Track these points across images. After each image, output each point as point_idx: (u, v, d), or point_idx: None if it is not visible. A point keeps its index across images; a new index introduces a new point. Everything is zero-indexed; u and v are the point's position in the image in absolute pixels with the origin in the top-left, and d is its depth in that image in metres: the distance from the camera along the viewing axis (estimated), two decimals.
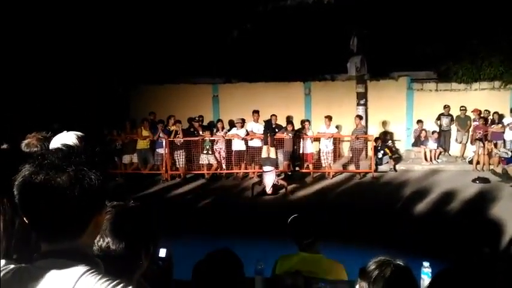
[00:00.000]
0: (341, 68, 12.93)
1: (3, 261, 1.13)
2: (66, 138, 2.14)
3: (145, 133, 11.52)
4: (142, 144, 11.48)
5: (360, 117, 11.87)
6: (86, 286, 1.05)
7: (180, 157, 11.27)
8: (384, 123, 13.23)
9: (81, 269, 1.07)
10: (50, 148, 1.97)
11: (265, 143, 9.80)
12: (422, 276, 2.73)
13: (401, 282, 1.80)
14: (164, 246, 1.99)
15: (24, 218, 1.09)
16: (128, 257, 1.42)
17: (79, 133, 2.27)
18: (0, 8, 9.34)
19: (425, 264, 2.75)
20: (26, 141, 2.27)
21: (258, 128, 11.47)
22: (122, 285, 1.08)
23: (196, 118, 12.21)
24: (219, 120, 12.05)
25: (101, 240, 1.39)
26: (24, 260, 1.14)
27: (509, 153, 10.78)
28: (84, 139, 2.19)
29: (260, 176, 9.89)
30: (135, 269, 1.46)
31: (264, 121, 11.29)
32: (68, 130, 2.31)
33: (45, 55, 10.93)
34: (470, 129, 12.36)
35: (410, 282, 1.84)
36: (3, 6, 9.41)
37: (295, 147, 11.38)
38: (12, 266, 1.11)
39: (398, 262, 1.85)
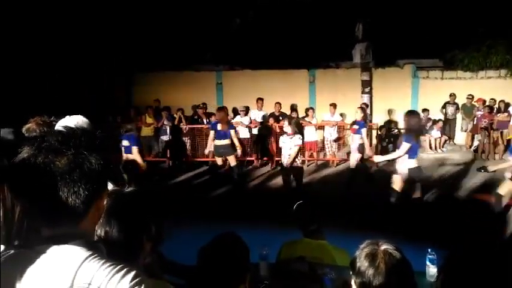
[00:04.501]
0: (346, 55, 12.83)
1: (2, 247, 1.11)
2: (69, 121, 2.13)
3: (149, 120, 11.53)
4: (146, 131, 11.50)
5: (362, 109, 11.46)
6: (89, 271, 1.03)
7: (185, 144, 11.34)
8: (390, 112, 13.16)
9: (83, 253, 1.05)
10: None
11: None
12: (428, 263, 2.74)
13: (397, 272, 1.69)
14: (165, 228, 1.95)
15: (23, 202, 1.07)
16: (129, 242, 1.41)
17: (83, 117, 2.25)
18: None
19: (430, 251, 2.75)
20: (26, 126, 2.27)
21: (262, 115, 11.44)
22: (125, 269, 1.05)
23: (200, 105, 12.19)
24: (224, 107, 12.00)
25: (100, 227, 1.37)
26: (24, 246, 1.11)
27: None
28: (89, 123, 2.18)
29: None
30: (138, 254, 1.45)
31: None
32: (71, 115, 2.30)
33: (47, 41, 10.90)
34: (475, 118, 12.28)
35: (405, 267, 1.74)
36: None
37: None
38: (12, 252, 1.09)
39: (387, 248, 1.77)
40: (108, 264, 1.05)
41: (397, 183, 6.50)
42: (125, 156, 6.54)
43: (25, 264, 1.05)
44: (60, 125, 2.12)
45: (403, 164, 6.28)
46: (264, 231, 4.78)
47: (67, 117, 2.25)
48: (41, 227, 1.09)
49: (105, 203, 1.18)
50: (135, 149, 6.88)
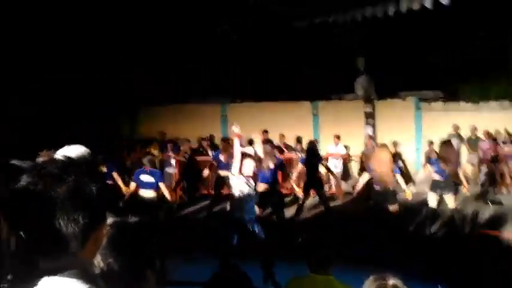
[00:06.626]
0: (348, 87, 12.96)
1: None
2: (69, 150, 2.12)
3: (155, 153, 11.54)
4: None
5: (370, 137, 11.82)
6: None
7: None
8: (395, 144, 13.14)
9: (81, 287, 1.02)
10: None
11: None
12: None
13: None
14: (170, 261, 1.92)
15: (20, 232, 1.04)
16: (132, 275, 1.37)
17: (83, 147, 2.25)
18: None
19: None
20: (39, 160, 2.26)
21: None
22: None
23: (206, 137, 12.23)
24: (228, 139, 12.04)
25: (102, 259, 1.33)
26: (19, 280, 1.06)
27: None
28: (88, 152, 2.17)
29: None
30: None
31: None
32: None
33: (52, 73, 11.06)
34: (480, 151, 12.20)
35: None
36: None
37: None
38: (6, 287, 1.04)
39: (395, 283, 1.72)
40: None
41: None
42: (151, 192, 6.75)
43: None
44: (60, 152, 2.12)
45: None
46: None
47: (66, 147, 2.26)
48: (37, 259, 1.05)
49: (105, 233, 1.15)
50: (162, 184, 6.99)
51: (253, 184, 5.71)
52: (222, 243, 5.79)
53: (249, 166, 5.53)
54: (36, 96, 10.94)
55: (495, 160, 11.35)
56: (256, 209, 7.35)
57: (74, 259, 1.05)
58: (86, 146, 2.25)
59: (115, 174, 7.43)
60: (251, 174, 5.62)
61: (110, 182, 7.26)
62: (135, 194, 6.83)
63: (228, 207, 6.06)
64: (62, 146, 2.32)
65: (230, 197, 5.91)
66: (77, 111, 12.20)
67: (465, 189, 7.72)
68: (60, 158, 1.09)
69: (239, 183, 5.48)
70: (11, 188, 1.02)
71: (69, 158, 1.10)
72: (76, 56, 11.55)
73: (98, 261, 1.31)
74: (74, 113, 12.12)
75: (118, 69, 12.36)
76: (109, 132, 12.73)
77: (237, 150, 5.46)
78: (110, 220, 1.37)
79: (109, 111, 13.31)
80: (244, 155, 5.55)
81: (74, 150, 2.11)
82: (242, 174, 5.51)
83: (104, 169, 7.08)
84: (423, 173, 12.68)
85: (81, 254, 1.06)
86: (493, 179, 11.28)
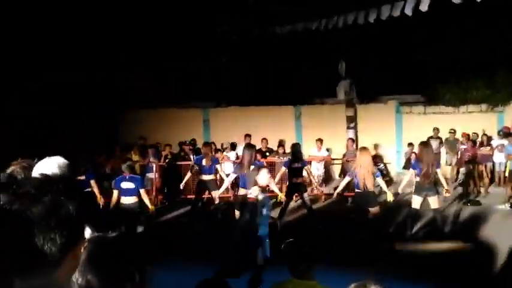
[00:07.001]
0: (330, 92, 13.08)
1: None
2: (47, 166, 2.09)
3: (135, 158, 11.42)
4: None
5: (352, 140, 11.97)
6: None
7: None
8: (376, 147, 13.32)
9: None
10: (28, 176, 1.92)
11: None
12: None
13: None
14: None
15: None
16: None
17: (62, 160, 2.21)
18: None
19: None
20: (10, 169, 2.21)
21: None
22: None
23: (187, 142, 12.16)
24: (211, 143, 12.00)
25: (80, 275, 1.31)
26: None
27: None
28: (67, 166, 2.14)
29: None
30: None
31: None
32: (51, 156, 2.26)
33: (36, 80, 10.94)
34: (459, 152, 12.46)
35: None
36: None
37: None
38: None
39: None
40: None
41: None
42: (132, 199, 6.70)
43: None
44: (38, 167, 2.09)
45: None
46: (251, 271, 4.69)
47: (46, 158, 2.22)
48: (13, 279, 1.02)
49: (83, 250, 1.13)
50: (142, 191, 6.94)
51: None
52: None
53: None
54: (36, 96, 10.81)
55: (473, 161, 11.60)
56: (237, 214, 7.34)
57: (51, 277, 1.02)
58: (85, 146, 2.22)
59: (92, 182, 7.38)
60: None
61: (88, 189, 7.21)
62: (118, 201, 6.79)
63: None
64: (60, 146, 2.28)
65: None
66: (76, 111, 12.07)
67: (446, 191, 7.83)
68: (37, 176, 1.07)
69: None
70: None
71: (45, 175, 1.08)
72: (76, 56, 11.47)
73: (77, 278, 1.28)
74: (73, 113, 11.99)
75: (100, 70, 12.24)
76: (108, 133, 12.65)
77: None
78: (87, 235, 1.35)
79: (106, 112, 13.21)
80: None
81: (52, 165, 2.07)
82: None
83: (82, 177, 7.04)
84: (405, 174, 12.91)
85: (59, 272, 1.04)
86: (471, 180, 11.52)
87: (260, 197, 5.52)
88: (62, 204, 1.03)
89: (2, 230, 0.98)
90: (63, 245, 1.02)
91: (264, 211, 5.52)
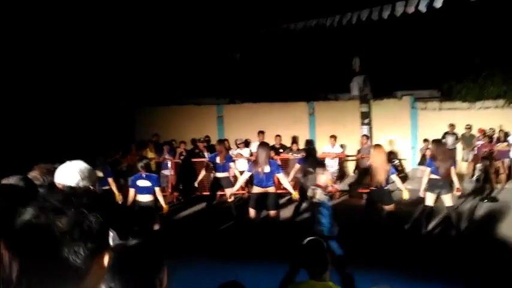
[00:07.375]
0: (344, 88, 13.00)
1: None
2: (69, 172, 2.12)
3: (151, 155, 11.54)
4: None
5: (366, 136, 11.90)
6: None
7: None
8: (391, 143, 13.21)
9: None
10: (52, 183, 1.96)
11: None
12: None
13: None
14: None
15: (23, 262, 1.05)
16: None
17: (83, 165, 2.23)
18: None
19: None
20: (31, 175, 2.26)
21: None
22: None
23: (202, 139, 12.22)
24: (224, 140, 12.04)
25: (105, 283, 1.34)
26: None
27: None
28: (89, 171, 2.16)
29: None
30: None
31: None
32: (72, 159, 2.28)
33: (51, 78, 11.10)
34: (475, 148, 12.29)
35: None
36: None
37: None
38: None
39: None
40: None
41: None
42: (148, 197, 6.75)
43: None
44: (60, 173, 2.12)
45: None
46: (269, 270, 4.69)
47: (67, 162, 2.25)
48: None
49: (107, 259, 1.16)
50: (157, 189, 6.95)
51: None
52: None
53: None
54: (52, 95, 10.98)
55: (490, 157, 11.44)
56: (252, 212, 7.35)
57: None
58: (102, 144, 2.25)
59: (110, 180, 7.51)
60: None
61: (107, 187, 7.31)
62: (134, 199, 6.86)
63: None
64: (61, 147, 2.32)
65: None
66: (92, 109, 12.22)
67: (456, 190, 7.68)
68: (60, 186, 1.11)
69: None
70: (16, 221, 1.04)
71: (70, 188, 1.11)
72: (91, 55, 11.62)
73: (101, 286, 1.32)
74: (90, 111, 12.14)
75: (115, 69, 12.36)
76: (124, 130, 12.80)
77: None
78: (111, 241, 1.38)
79: (122, 109, 13.35)
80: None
81: (74, 171, 2.10)
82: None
83: (101, 174, 7.13)
84: (420, 171, 12.79)
85: (86, 283, 1.08)
86: (488, 176, 11.37)
87: (322, 197, 5.52)
88: (85, 217, 1.06)
89: (29, 243, 1.02)
90: (87, 256, 1.05)
91: (325, 211, 5.48)
